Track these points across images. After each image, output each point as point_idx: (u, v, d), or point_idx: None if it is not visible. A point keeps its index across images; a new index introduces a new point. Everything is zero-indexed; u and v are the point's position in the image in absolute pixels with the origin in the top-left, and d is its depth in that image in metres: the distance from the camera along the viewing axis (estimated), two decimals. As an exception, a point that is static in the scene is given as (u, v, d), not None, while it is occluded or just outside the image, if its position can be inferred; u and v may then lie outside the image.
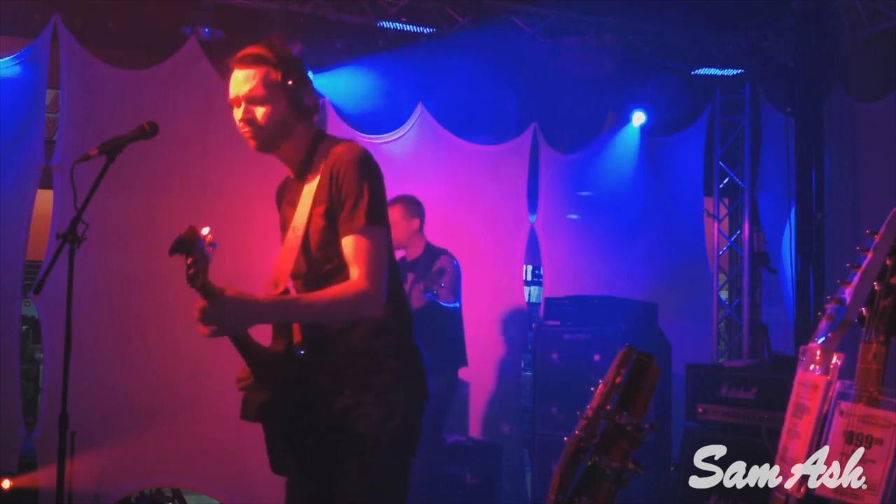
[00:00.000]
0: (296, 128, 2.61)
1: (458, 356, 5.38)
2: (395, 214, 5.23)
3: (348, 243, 2.50)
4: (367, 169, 2.55)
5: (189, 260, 2.19)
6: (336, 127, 6.07)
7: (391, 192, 5.30)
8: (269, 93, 2.54)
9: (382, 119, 6.39)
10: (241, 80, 2.56)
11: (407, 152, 6.35)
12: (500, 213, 6.71)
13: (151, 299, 5.39)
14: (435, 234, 5.53)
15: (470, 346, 5.48)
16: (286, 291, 2.55)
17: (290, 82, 2.56)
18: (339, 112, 6.13)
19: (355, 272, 2.48)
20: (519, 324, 6.68)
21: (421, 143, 6.43)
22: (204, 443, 5.57)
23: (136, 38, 6.19)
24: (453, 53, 6.19)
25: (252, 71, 2.55)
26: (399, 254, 5.37)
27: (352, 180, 2.51)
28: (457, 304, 5.29)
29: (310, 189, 2.58)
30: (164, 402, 5.50)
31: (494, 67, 6.52)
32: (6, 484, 4.94)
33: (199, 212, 5.77)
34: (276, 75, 2.55)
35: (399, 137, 6.37)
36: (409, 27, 6.27)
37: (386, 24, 6.21)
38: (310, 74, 2.67)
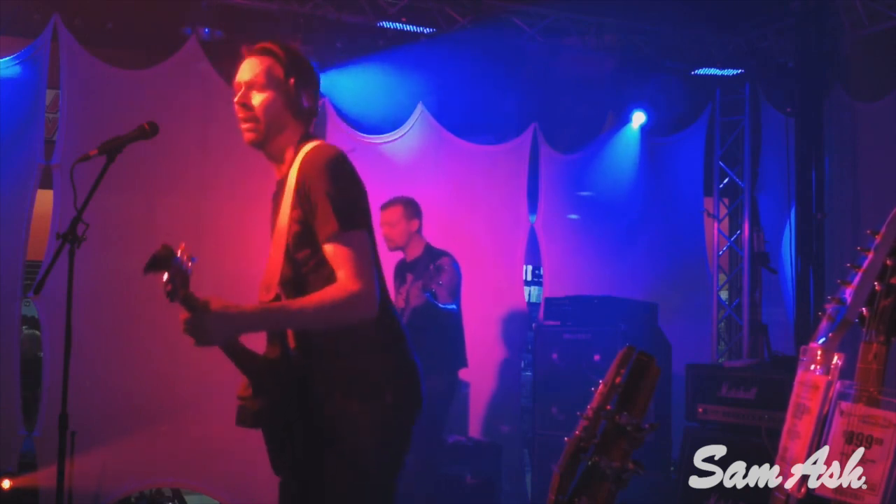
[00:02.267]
0: (288, 126, 2.61)
1: (458, 357, 5.36)
2: (394, 214, 5.22)
3: (329, 250, 2.47)
4: (336, 171, 2.51)
5: (165, 276, 2.21)
6: (336, 127, 6.07)
7: (391, 192, 5.36)
8: (268, 83, 2.59)
9: (382, 119, 6.38)
10: (247, 68, 2.62)
11: (407, 152, 6.34)
12: (500, 213, 6.71)
13: (151, 299, 5.36)
14: (435, 234, 5.52)
15: (470, 346, 5.47)
16: (278, 296, 2.53)
17: (291, 81, 2.60)
18: (339, 112, 6.13)
19: (342, 275, 2.44)
20: (519, 324, 6.68)
21: (421, 143, 6.43)
22: (204, 443, 5.57)
23: (136, 38, 6.19)
24: (453, 53, 6.19)
25: (258, 60, 2.62)
26: (398, 255, 5.37)
27: (319, 185, 2.47)
28: (454, 306, 5.25)
29: (288, 192, 2.56)
30: (164, 402, 5.50)
31: (494, 67, 6.52)
32: (6, 484, 4.94)
33: (199, 212, 5.77)
34: (279, 70, 2.60)
35: (399, 137, 6.36)
36: (409, 27, 6.26)
37: (386, 24, 6.21)
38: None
